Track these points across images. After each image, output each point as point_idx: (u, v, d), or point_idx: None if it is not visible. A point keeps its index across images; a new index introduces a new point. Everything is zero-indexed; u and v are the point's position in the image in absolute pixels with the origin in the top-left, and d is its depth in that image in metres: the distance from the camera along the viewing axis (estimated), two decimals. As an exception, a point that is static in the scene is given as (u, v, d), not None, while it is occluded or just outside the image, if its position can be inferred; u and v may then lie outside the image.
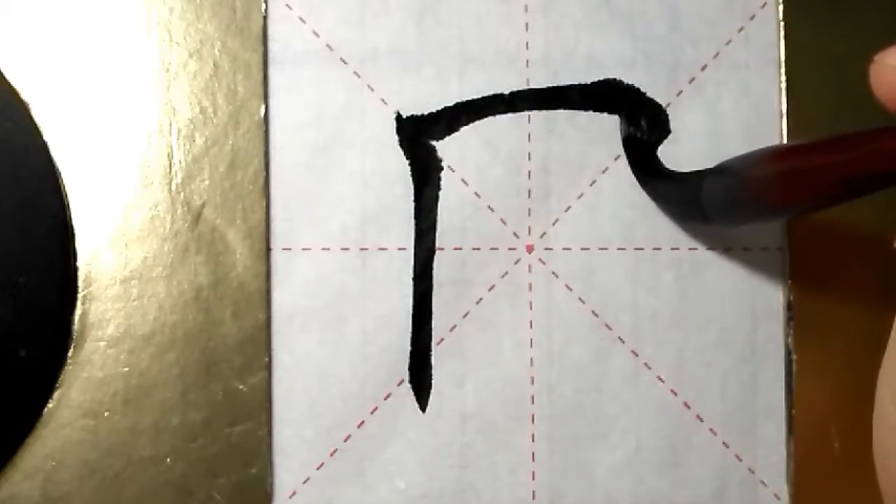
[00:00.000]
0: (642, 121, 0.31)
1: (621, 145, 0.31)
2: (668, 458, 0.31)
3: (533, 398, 0.31)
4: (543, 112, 0.31)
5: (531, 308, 0.31)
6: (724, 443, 0.31)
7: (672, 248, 0.31)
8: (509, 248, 0.31)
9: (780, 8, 0.32)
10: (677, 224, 0.31)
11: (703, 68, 0.32)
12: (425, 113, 0.31)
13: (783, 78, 0.32)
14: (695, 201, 0.29)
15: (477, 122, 0.31)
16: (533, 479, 0.31)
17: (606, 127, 0.31)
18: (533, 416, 0.31)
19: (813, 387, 0.31)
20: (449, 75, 0.31)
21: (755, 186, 0.26)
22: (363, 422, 0.30)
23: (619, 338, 0.31)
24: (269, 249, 0.30)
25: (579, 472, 0.31)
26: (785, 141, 0.32)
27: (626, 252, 0.31)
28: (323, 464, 0.30)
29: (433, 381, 0.31)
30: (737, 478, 0.31)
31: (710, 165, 0.32)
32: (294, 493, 0.30)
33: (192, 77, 0.30)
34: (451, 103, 0.31)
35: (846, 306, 0.31)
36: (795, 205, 0.26)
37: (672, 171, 0.31)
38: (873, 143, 0.23)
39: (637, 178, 0.31)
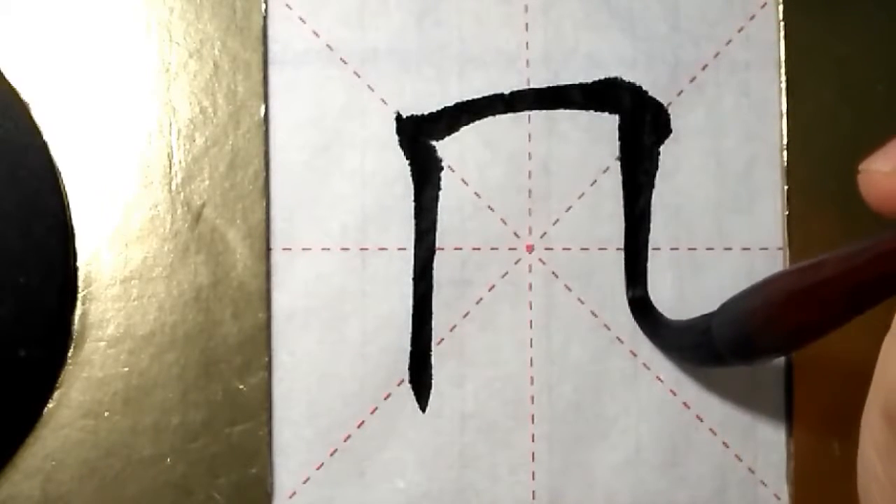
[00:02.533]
0: (644, 120, 0.31)
1: (617, 150, 0.31)
2: (668, 458, 0.31)
3: (533, 398, 0.31)
4: (544, 112, 0.31)
5: (531, 308, 0.31)
6: (724, 443, 0.31)
7: (672, 248, 0.31)
8: (509, 248, 0.31)
9: (780, 8, 0.32)
10: (692, 367, 0.31)
11: (704, 68, 0.32)
12: (425, 113, 0.31)
13: (783, 78, 0.32)
14: (706, 343, 0.28)
15: (477, 122, 0.31)
16: (533, 479, 0.31)
17: (607, 127, 0.31)
18: (533, 416, 0.31)
19: (813, 387, 0.31)
20: (449, 75, 0.31)
21: (763, 313, 0.26)
22: (363, 422, 0.30)
23: (619, 338, 0.31)
24: (269, 249, 0.30)
25: (579, 472, 0.31)
26: (784, 140, 0.32)
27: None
28: (323, 464, 0.30)
29: (433, 381, 0.31)
30: (737, 478, 0.31)
31: (710, 165, 0.32)
32: (294, 493, 0.30)
33: (192, 77, 0.30)
34: (451, 103, 0.31)
35: (846, 306, 0.31)
36: (805, 326, 0.25)
37: (679, 321, 0.30)
38: (875, 248, 0.22)
39: (645, 332, 0.31)
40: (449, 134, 0.31)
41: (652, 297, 0.31)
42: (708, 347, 0.28)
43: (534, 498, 0.31)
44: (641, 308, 0.31)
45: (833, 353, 0.31)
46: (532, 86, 0.31)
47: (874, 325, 0.31)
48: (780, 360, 0.31)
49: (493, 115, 0.31)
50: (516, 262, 0.31)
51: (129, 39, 0.30)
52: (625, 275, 0.31)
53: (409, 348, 0.30)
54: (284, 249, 0.30)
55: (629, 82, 0.31)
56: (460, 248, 0.31)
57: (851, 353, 0.31)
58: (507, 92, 0.31)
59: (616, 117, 0.31)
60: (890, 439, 0.21)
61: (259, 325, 0.30)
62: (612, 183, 0.31)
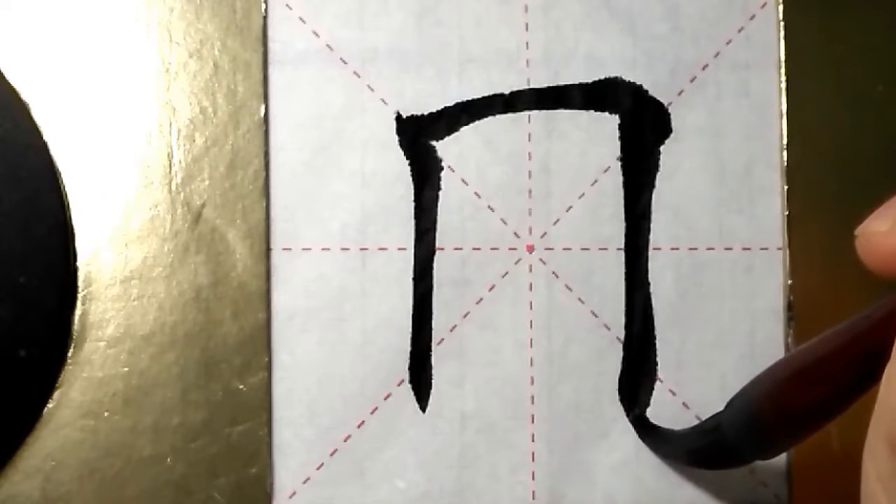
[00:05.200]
0: (644, 120, 0.31)
1: (618, 150, 0.31)
2: (668, 458, 0.31)
3: (533, 398, 0.31)
4: (544, 112, 0.31)
5: (531, 308, 0.31)
6: (724, 443, 0.31)
7: (672, 248, 0.31)
8: (510, 248, 0.31)
9: (780, 8, 0.32)
10: (708, 470, 0.30)
11: (704, 68, 0.32)
12: (425, 113, 0.31)
13: (783, 78, 0.32)
14: (717, 442, 0.27)
15: (477, 122, 0.31)
16: (533, 479, 0.31)
17: (607, 127, 0.31)
18: (533, 416, 0.31)
19: (813, 387, 0.31)
20: (449, 75, 0.31)
21: (773, 397, 0.25)
22: (363, 422, 0.30)
23: (619, 338, 0.31)
24: (269, 249, 0.30)
25: (579, 472, 0.31)
26: (784, 140, 0.32)
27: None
28: (323, 464, 0.30)
29: (433, 381, 0.31)
30: (737, 478, 0.31)
31: (711, 165, 0.32)
32: (294, 493, 0.30)
33: (192, 77, 0.30)
34: (451, 103, 0.31)
35: (846, 306, 0.31)
36: (819, 403, 0.24)
37: (684, 428, 0.30)
38: (878, 312, 0.22)
39: (651, 448, 0.31)
40: (449, 134, 0.31)
41: (653, 297, 0.31)
42: (720, 446, 0.27)
43: (534, 498, 0.31)
44: (642, 426, 0.31)
45: (833, 353, 0.31)
46: (532, 86, 0.31)
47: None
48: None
49: (493, 115, 0.31)
50: (516, 262, 0.31)
51: (129, 39, 0.30)
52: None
53: (409, 348, 0.30)
54: (284, 249, 0.30)
55: (629, 82, 0.31)
56: (460, 248, 0.31)
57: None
58: (507, 92, 0.31)
59: (616, 117, 0.31)
60: (894, 468, 0.20)
61: (259, 325, 0.30)
62: (613, 183, 0.31)
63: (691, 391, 0.31)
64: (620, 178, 0.31)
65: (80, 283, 0.29)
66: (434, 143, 0.31)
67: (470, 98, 0.31)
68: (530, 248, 0.31)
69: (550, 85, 0.31)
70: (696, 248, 0.31)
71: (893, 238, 0.22)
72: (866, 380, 0.23)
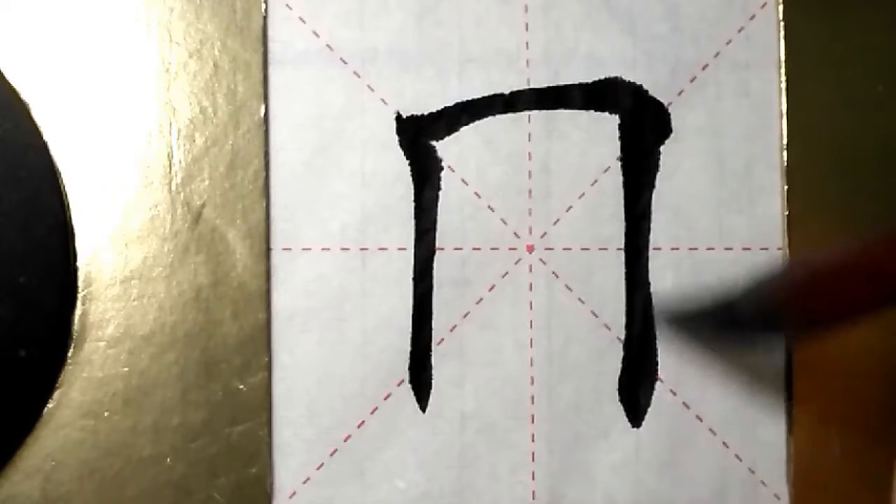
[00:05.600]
0: (644, 120, 0.31)
1: (618, 150, 0.31)
2: (668, 458, 0.31)
3: (533, 398, 0.31)
4: (544, 112, 0.31)
5: (531, 308, 0.31)
6: (724, 443, 0.31)
7: (672, 248, 0.31)
8: (510, 248, 0.31)
9: (780, 8, 0.32)
10: (714, 352, 0.30)
11: (704, 68, 0.32)
12: (425, 113, 0.31)
13: (783, 78, 0.32)
14: (729, 324, 0.27)
15: (477, 122, 0.31)
16: (533, 479, 0.31)
17: (607, 127, 0.31)
18: (533, 416, 0.31)
19: (813, 387, 0.31)
20: (449, 75, 0.31)
21: (791, 298, 0.25)
22: (363, 422, 0.30)
23: (619, 338, 0.31)
24: (269, 249, 0.30)
25: (579, 472, 0.31)
26: (784, 140, 0.32)
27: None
28: (323, 464, 0.30)
29: (433, 381, 0.31)
30: (737, 478, 0.31)
31: (711, 165, 0.32)
32: (294, 493, 0.30)
33: (192, 77, 0.30)
34: (451, 103, 0.31)
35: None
36: (836, 310, 0.24)
37: (697, 308, 0.30)
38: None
39: (667, 323, 0.30)
40: (449, 134, 0.31)
41: (654, 296, 0.31)
42: (729, 328, 0.27)
43: (534, 498, 0.31)
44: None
45: (833, 352, 0.31)
46: (532, 86, 0.31)
47: (875, 326, 0.31)
48: (780, 361, 0.31)
49: (493, 115, 0.31)
50: (516, 262, 0.31)
51: (129, 39, 0.30)
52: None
53: (409, 348, 0.30)
54: (284, 249, 0.30)
55: (629, 82, 0.31)
56: (460, 248, 0.31)
57: (851, 353, 0.31)
58: (507, 92, 0.31)
59: (616, 117, 0.31)
60: None
61: (259, 326, 0.30)
62: (613, 183, 0.31)
63: (691, 391, 0.31)
64: (620, 178, 0.31)
65: (80, 283, 0.29)
66: (434, 143, 0.31)
67: (470, 98, 0.31)
68: (530, 248, 0.31)
69: (550, 85, 0.31)
70: (696, 248, 0.31)
71: None
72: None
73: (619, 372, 0.31)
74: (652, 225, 0.31)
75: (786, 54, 0.32)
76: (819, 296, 0.24)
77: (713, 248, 0.31)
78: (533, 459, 0.31)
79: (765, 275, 0.27)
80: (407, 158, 0.31)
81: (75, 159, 0.30)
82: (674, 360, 0.31)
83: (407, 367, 0.30)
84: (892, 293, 0.23)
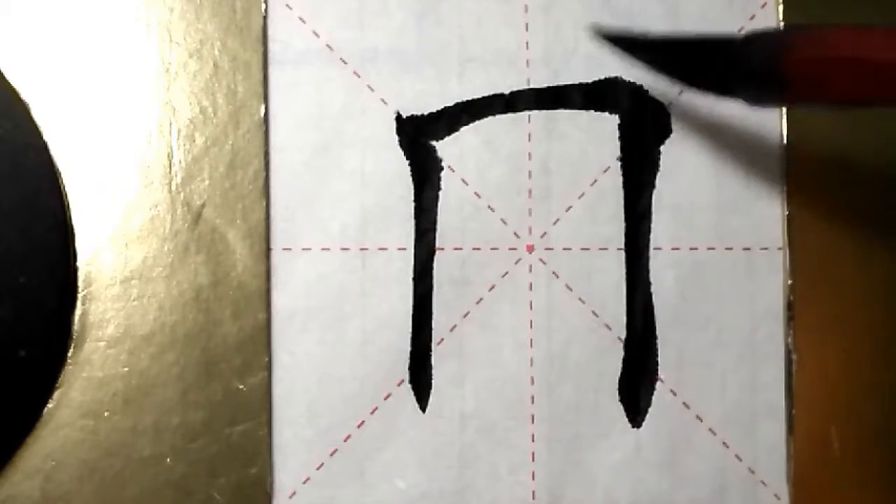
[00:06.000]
0: (644, 120, 0.31)
1: (618, 150, 0.31)
2: (668, 458, 0.31)
3: (533, 398, 0.31)
4: (544, 112, 0.31)
5: (531, 308, 0.31)
6: (724, 443, 0.31)
7: (672, 248, 0.31)
8: (510, 248, 0.31)
9: (780, 8, 0.32)
10: (681, 86, 0.28)
11: (704, 68, 0.32)
12: (425, 113, 0.31)
13: (783, 78, 0.32)
14: (718, 61, 0.25)
15: (477, 122, 0.31)
16: (533, 479, 0.31)
17: (607, 127, 0.31)
18: (533, 416, 0.31)
19: (813, 387, 0.31)
20: (449, 75, 0.31)
21: (808, 64, 0.23)
22: (363, 422, 0.30)
23: (619, 338, 0.31)
24: (269, 249, 0.30)
25: (579, 472, 0.31)
26: (784, 140, 0.32)
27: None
28: (323, 464, 0.30)
29: (433, 381, 0.31)
30: (737, 478, 0.31)
31: (710, 165, 0.32)
32: (294, 493, 0.30)
33: (192, 77, 0.30)
34: (451, 103, 0.31)
35: (846, 306, 0.31)
36: (852, 94, 0.22)
37: (540, 89, 0.28)
38: None
39: (622, 51, 0.29)
40: (449, 134, 0.31)
41: (654, 296, 0.31)
42: (716, 66, 0.25)
43: (534, 498, 0.31)
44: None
45: (834, 352, 0.31)
46: (532, 86, 0.31)
47: (875, 326, 0.31)
48: (780, 361, 0.31)
49: (493, 115, 0.31)
50: (516, 262, 0.31)
51: (129, 39, 0.30)
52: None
53: (409, 348, 0.30)
54: (284, 249, 0.30)
55: (629, 82, 0.31)
56: (460, 248, 0.31)
57: (851, 353, 0.31)
58: (507, 92, 0.31)
59: (616, 117, 0.31)
60: None
61: (259, 325, 0.30)
62: (613, 183, 0.31)
63: (691, 391, 0.31)
64: (620, 178, 0.31)
65: (80, 283, 0.29)
66: (434, 143, 0.31)
67: (470, 98, 0.31)
68: (530, 248, 0.31)
69: (550, 85, 0.31)
70: (696, 248, 0.31)
71: None
72: None
73: (619, 372, 0.31)
74: (652, 225, 0.31)
75: (786, 54, 0.32)
76: (843, 79, 0.22)
77: (713, 248, 0.31)
78: (533, 459, 0.31)
79: (779, 32, 0.24)
80: (407, 158, 0.31)
81: (75, 159, 0.30)
82: (674, 360, 0.31)
83: (407, 367, 0.30)
84: None
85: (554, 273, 0.31)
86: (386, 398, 0.30)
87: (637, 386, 0.31)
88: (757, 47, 0.24)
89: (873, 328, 0.31)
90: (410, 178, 0.31)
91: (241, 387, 0.30)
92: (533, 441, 0.31)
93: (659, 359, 0.31)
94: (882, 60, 0.21)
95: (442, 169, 0.31)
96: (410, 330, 0.30)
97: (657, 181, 0.31)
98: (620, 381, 0.31)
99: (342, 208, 0.31)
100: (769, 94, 0.24)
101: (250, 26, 0.30)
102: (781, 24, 0.32)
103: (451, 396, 0.31)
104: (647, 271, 0.31)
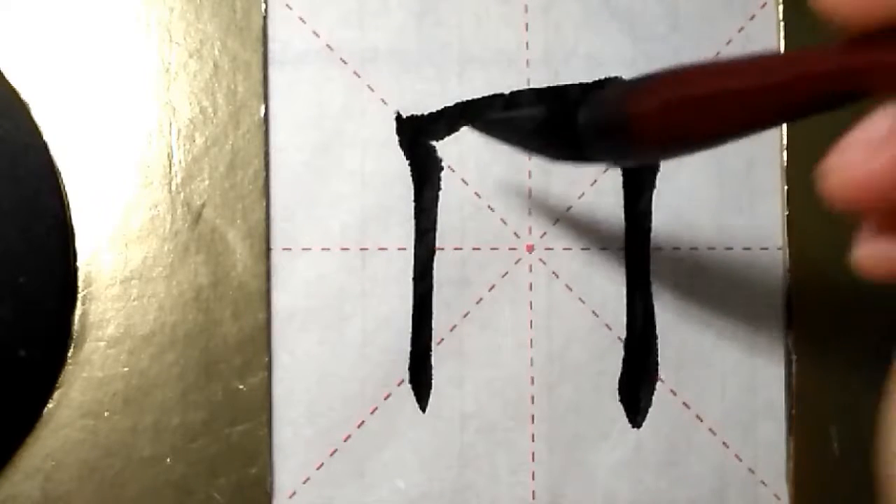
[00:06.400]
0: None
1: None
2: (668, 458, 0.31)
3: (533, 398, 0.31)
4: (543, 112, 0.31)
5: (531, 308, 0.31)
6: (723, 443, 0.31)
7: (673, 248, 0.31)
8: (509, 248, 0.31)
9: (780, 8, 0.32)
10: (545, 159, 0.27)
11: (704, 68, 0.32)
12: (425, 113, 0.31)
13: (783, 78, 0.32)
14: (567, 135, 0.24)
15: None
16: (533, 479, 0.31)
17: (606, 127, 0.31)
18: (533, 416, 0.31)
19: (813, 387, 0.31)
20: (449, 75, 0.31)
21: (651, 117, 0.22)
22: (363, 422, 0.30)
23: (619, 338, 0.31)
24: (269, 249, 0.30)
25: (579, 472, 0.31)
26: (784, 140, 0.32)
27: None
28: (323, 464, 0.30)
29: (433, 381, 0.31)
30: (737, 478, 0.31)
31: (711, 165, 0.32)
32: (294, 493, 0.30)
33: (192, 77, 0.30)
34: (451, 103, 0.31)
35: (846, 306, 0.31)
36: (699, 137, 0.22)
37: (538, 89, 0.28)
38: (804, 66, 0.20)
39: (485, 131, 0.29)
40: (449, 134, 0.31)
41: (654, 296, 0.31)
42: (568, 128, 0.24)
43: (534, 498, 0.31)
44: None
45: (833, 353, 0.31)
46: (532, 86, 0.31)
47: (876, 322, 0.31)
48: (780, 361, 0.31)
49: (493, 115, 0.31)
50: (516, 262, 0.31)
51: (129, 39, 0.30)
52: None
53: (409, 348, 0.30)
54: (284, 249, 0.30)
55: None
56: (460, 248, 0.31)
57: (851, 353, 0.31)
58: (507, 92, 0.31)
59: (616, 117, 0.31)
60: None
61: (259, 325, 0.30)
62: (613, 183, 0.31)
63: (691, 391, 0.31)
64: (620, 179, 0.31)
65: (80, 283, 0.29)
66: (434, 143, 0.31)
67: (470, 98, 0.31)
68: (530, 249, 0.31)
69: (550, 85, 0.31)
70: (696, 248, 0.31)
71: (869, 165, 0.19)
72: (760, 126, 0.21)
73: (619, 372, 0.31)
74: (652, 225, 0.31)
75: (786, 54, 0.32)
76: (689, 117, 0.21)
77: (713, 248, 0.31)
78: (533, 459, 0.31)
79: (618, 83, 0.24)
80: (407, 158, 0.31)
81: (75, 159, 0.30)
82: (674, 361, 0.31)
83: (407, 367, 0.30)
84: (769, 121, 0.21)
85: (554, 273, 0.31)
86: (386, 398, 0.30)
87: (637, 386, 0.31)
88: (598, 101, 0.24)
89: (873, 328, 0.31)
90: (410, 178, 0.31)
91: (241, 387, 0.30)
92: (533, 441, 0.31)
93: (659, 359, 0.31)
94: (730, 90, 0.21)
95: (442, 169, 0.31)
96: (410, 330, 0.30)
97: (657, 181, 0.31)
98: (620, 381, 0.31)
99: (342, 208, 0.31)
100: (619, 148, 0.24)
101: (250, 26, 0.30)
102: (781, 24, 0.32)
103: (451, 396, 0.31)
104: (647, 271, 0.31)
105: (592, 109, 0.24)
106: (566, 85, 0.28)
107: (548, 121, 0.25)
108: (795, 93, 0.20)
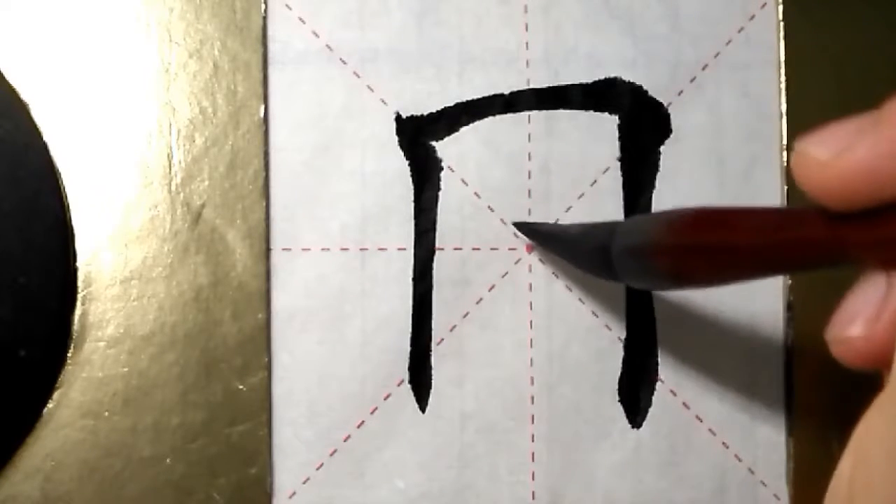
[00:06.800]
0: (644, 120, 0.31)
1: (617, 150, 0.31)
2: (668, 458, 0.31)
3: (533, 398, 0.31)
4: (544, 112, 0.31)
5: (531, 308, 0.31)
6: (723, 443, 0.31)
7: (672, 248, 0.31)
8: (509, 248, 0.31)
9: (780, 8, 0.32)
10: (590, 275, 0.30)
11: (704, 68, 0.32)
12: (425, 113, 0.31)
13: (783, 78, 0.32)
14: (604, 257, 0.27)
15: (477, 122, 0.31)
16: (533, 479, 0.31)
17: (607, 127, 0.31)
18: (533, 416, 0.31)
19: (813, 387, 0.31)
20: (449, 75, 0.31)
21: (667, 252, 0.24)
22: (363, 422, 0.30)
23: (619, 338, 0.31)
24: (269, 249, 0.30)
25: (579, 472, 0.31)
26: (784, 140, 0.32)
27: (626, 252, 0.31)
28: (323, 464, 0.30)
29: (433, 381, 0.31)
30: (737, 478, 0.31)
31: (710, 165, 0.32)
32: (294, 493, 0.30)
33: (192, 77, 0.30)
34: (451, 103, 0.31)
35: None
36: (712, 279, 0.24)
37: (578, 225, 0.30)
38: (797, 231, 0.21)
39: (537, 242, 0.31)
40: (449, 134, 0.31)
41: (654, 296, 0.31)
42: (606, 262, 0.27)
43: (534, 498, 0.31)
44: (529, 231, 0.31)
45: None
46: (532, 86, 0.31)
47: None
48: (780, 361, 0.31)
49: (493, 115, 0.31)
50: (516, 262, 0.31)
51: (129, 39, 0.30)
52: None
53: (409, 348, 0.30)
54: (284, 249, 0.30)
55: (629, 82, 0.31)
56: (460, 248, 0.31)
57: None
58: (507, 92, 0.31)
59: (616, 117, 0.31)
60: None
61: (259, 326, 0.30)
62: (612, 183, 0.31)
63: (691, 391, 0.31)
64: (620, 179, 0.31)
65: (80, 283, 0.29)
66: (434, 143, 0.31)
67: (470, 98, 0.31)
68: (530, 249, 0.31)
69: (550, 85, 0.31)
70: (696, 248, 0.31)
71: (830, 171, 0.20)
72: (761, 275, 0.23)
73: (619, 372, 0.31)
74: (652, 225, 0.31)
75: (785, 54, 0.32)
76: (698, 256, 0.23)
77: (713, 248, 0.31)
78: (533, 459, 0.31)
79: (647, 216, 0.26)
80: (407, 158, 0.31)
81: (75, 159, 0.30)
82: (674, 361, 0.31)
83: (407, 367, 0.30)
84: (771, 265, 0.23)
85: (554, 273, 0.31)
86: (386, 398, 0.30)
87: (637, 386, 0.31)
88: (622, 238, 0.26)
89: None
90: (410, 178, 0.31)
91: (241, 387, 0.30)
92: (533, 441, 0.31)
93: (659, 359, 0.31)
94: (733, 244, 0.22)
95: (442, 169, 0.31)
96: (410, 330, 0.30)
97: (657, 181, 0.31)
98: (620, 381, 0.31)
99: (342, 208, 0.31)
100: (645, 278, 0.26)
101: (250, 26, 0.30)
102: (781, 24, 0.32)
103: (451, 396, 0.31)
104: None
105: (624, 239, 0.26)
106: (591, 225, 0.29)
107: (589, 251, 0.28)
108: (789, 254, 0.22)
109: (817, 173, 0.20)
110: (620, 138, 0.31)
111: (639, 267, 0.25)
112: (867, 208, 0.20)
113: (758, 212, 0.23)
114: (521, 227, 0.31)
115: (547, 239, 0.30)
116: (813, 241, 0.21)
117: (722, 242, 0.23)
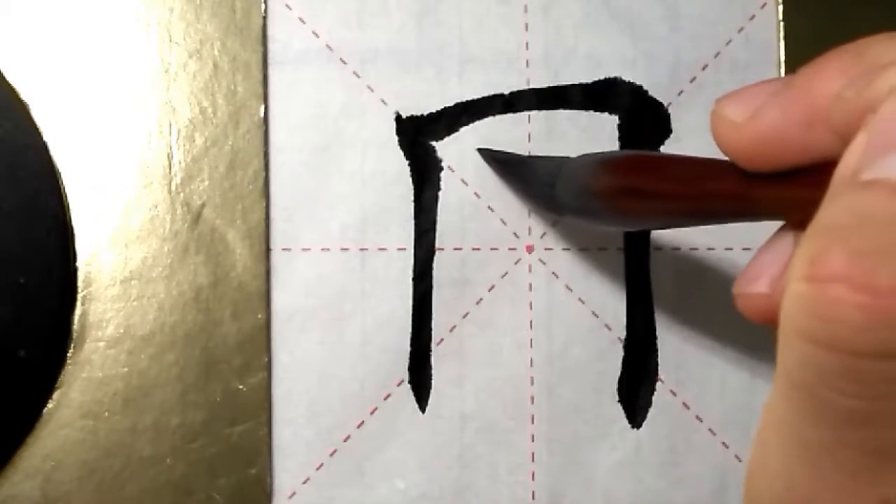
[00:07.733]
0: (644, 120, 0.31)
1: (618, 146, 0.31)
2: (668, 458, 0.31)
3: (533, 398, 0.31)
4: (544, 112, 0.31)
5: (531, 308, 0.31)
6: (723, 443, 0.31)
7: (673, 249, 0.31)
8: (509, 249, 0.31)
9: (780, 8, 0.32)
10: (535, 212, 0.31)
11: (704, 68, 0.32)
12: (425, 113, 0.31)
13: (783, 78, 0.32)
14: (550, 192, 0.27)
15: (477, 122, 0.31)
16: (533, 479, 0.31)
17: (607, 127, 0.31)
18: (533, 416, 0.31)
19: (813, 387, 0.31)
20: (449, 75, 0.31)
21: (602, 193, 0.25)
22: (363, 422, 0.30)
23: (619, 338, 0.31)
24: (269, 249, 0.30)
25: (579, 472, 0.31)
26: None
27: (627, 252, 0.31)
28: (323, 464, 0.30)
29: (433, 381, 0.31)
30: (736, 478, 0.31)
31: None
32: (294, 494, 0.30)
33: (192, 77, 0.30)
34: (451, 103, 0.31)
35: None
36: (644, 221, 0.25)
37: (533, 157, 0.30)
38: (714, 183, 0.22)
39: (496, 170, 0.31)
40: (449, 134, 0.31)
41: (654, 296, 0.31)
42: (551, 196, 0.27)
43: (534, 498, 0.31)
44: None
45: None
46: (532, 86, 0.31)
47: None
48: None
49: (493, 115, 0.31)
50: (516, 262, 0.31)
51: (129, 39, 0.30)
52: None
53: (409, 348, 0.30)
54: (284, 249, 0.30)
55: (629, 82, 0.31)
56: (460, 248, 0.31)
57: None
58: (507, 92, 0.31)
59: (616, 117, 0.31)
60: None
61: (259, 326, 0.30)
62: (612, 183, 0.31)
63: (691, 391, 0.31)
64: (620, 178, 0.31)
65: (80, 283, 0.29)
66: (434, 143, 0.31)
67: (470, 98, 0.31)
68: (530, 249, 0.31)
69: (550, 85, 0.31)
70: (696, 249, 0.31)
71: (742, 133, 0.20)
72: (692, 217, 0.24)
73: (619, 372, 0.31)
74: (652, 225, 0.31)
75: (785, 54, 0.32)
76: (628, 194, 0.24)
77: (713, 249, 0.31)
78: (533, 459, 0.31)
79: (586, 156, 0.26)
80: (407, 158, 0.31)
81: (75, 159, 0.30)
82: (674, 360, 0.31)
83: (407, 367, 0.30)
84: (693, 213, 0.23)
85: (554, 273, 0.31)
86: (386, 398, 0.30)
87: (637, 386, 0.31)
88: (565, 175, 0.27)
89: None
90: (410, 179, 0.31)
91: (241, 387, 0.30)
92: (533, 441, 0.31)
93: (659, 359, 0.31)
94: (660, 190, 0.23)
95: (442, 169, 0.31)
96: (410, 330, 0.30)
97: (657, 181, 0.31)
98: (620, 381, 0.31)
99: (342, 208, 0.31)
100: (584, 215, 0.27)
101: (250, 26, 0.30)
102: (781, 24, 0.32)
103: (450, 396, 0.31)
104: (647, 271, 0.31)
105: (567, 176, 0.27)
106: (542, 158, 0.30)
107: (537, 184, 0.29)
108: (706, 205, 0.22)
109: (730, 134, 0.21)
110: (620, 138, 0.31)
111: (579, 205, 0.26)
112: (778, 170, 0.20)
113: (685, 161, 0.24)
114: (484, 152, 0.31)
115: (505, 167, 0.31)
116: (728, 194, 0.22)
117: (650, 187, 0.23)
